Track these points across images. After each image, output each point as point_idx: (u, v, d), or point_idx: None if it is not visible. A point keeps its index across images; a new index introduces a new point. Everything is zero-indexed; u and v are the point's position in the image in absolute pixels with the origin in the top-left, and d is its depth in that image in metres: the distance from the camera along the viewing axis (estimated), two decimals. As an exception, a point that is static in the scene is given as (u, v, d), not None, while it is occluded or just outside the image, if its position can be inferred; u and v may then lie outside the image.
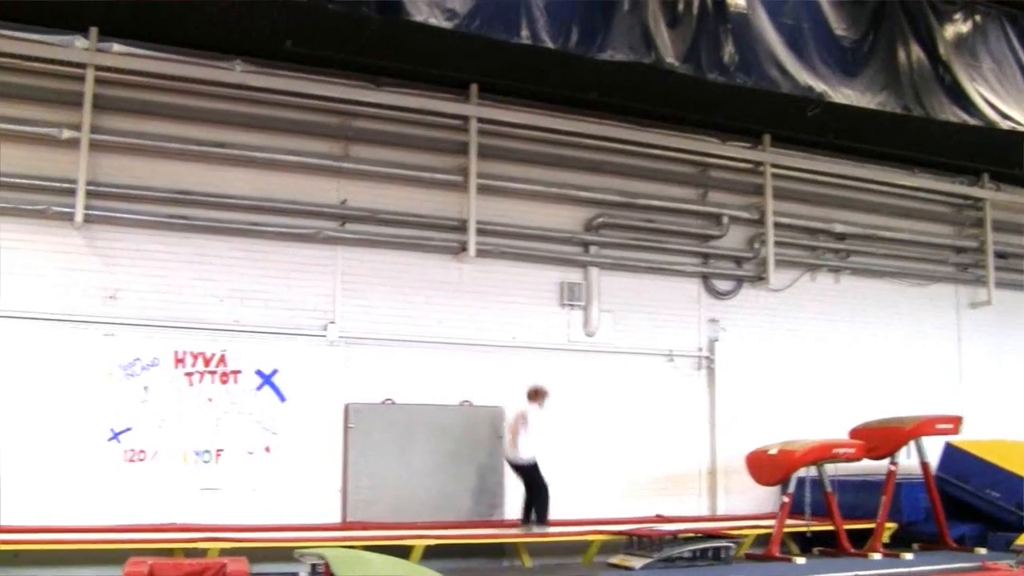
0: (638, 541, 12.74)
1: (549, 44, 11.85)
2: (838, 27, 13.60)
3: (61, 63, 12.35)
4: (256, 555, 10.16)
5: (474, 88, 14.17)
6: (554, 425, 13.82)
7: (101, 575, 11.02)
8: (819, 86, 13.29)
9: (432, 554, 11.93)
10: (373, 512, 13.06)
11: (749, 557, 13.43)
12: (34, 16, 12.09)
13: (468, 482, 13.74)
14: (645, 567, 12.04)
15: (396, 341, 13.69)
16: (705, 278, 16.01)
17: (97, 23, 12.33)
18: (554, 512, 13.28)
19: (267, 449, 12.94)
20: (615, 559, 12.52)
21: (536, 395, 13.19)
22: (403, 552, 11.38)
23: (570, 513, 13.90)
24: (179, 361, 12.70)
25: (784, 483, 13.52)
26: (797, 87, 13.17)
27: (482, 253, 14.06)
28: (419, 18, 11.20)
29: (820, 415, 15.34)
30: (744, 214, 16.14)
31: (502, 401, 14.01)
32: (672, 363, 15.54)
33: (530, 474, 13.03)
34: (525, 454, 12.97)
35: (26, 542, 10.95)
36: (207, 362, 12.78)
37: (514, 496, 13.74)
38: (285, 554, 10.40)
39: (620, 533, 13.07)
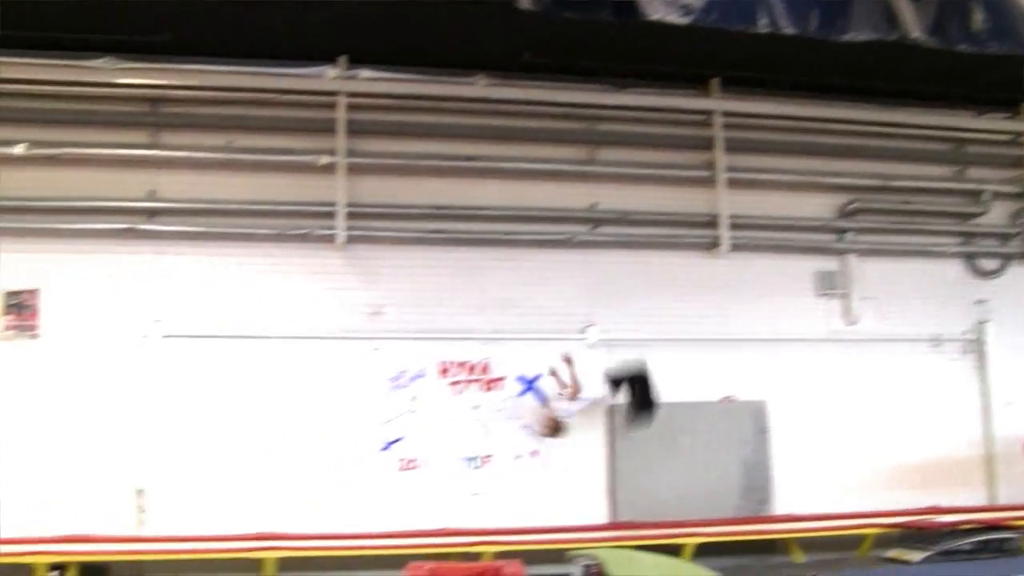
0: (915, 534, 12.40)
1: (789, 31, 11.61)
2: (1097, -18, 12.90)
3: (314, 93, 12.99)
4: (528, 557, 10.35)
5: (715, 82, 14.08)
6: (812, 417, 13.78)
7: (382, 579, 11.46)
8: (1080, 46, 12.62)
9: (702, 552, 11.93)
10: (640, 511, 13.10)
11: (1035, 548, 12.88)
12: (287, 51, 12.71)
13: (735, 478, 13.62)
14: (924, 560, 11.70)
15: (654, 340, 13.44)
16: (968, 258, 15.33)
17: (345, 51, 12.86)
18: (825, 506, 13.14)
19: (533, 453, 13.15)
20: (891, 553, 12.22)
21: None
22: (673, 550, 11.43)
23: (842, 506, 13.62)
24: (444, 371, 13.06)
25: (1070, 469, 12.90)
26: (1056, 49, 12.54)
27: (735, 247, 13.93)
28: (655, 17, 11.08)
29: (1106, 394, 14.48)
30: (1006, 188, 15.39)
31: (765, 395, 13.90)
32: (938, 348, 14.99)
33: None
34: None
35: (313, 549, 11.54)
36: (471, 370, 13.10)
37: (784, 490, 13.63)
38: (556, 556, 10.62)
39: (896, 526, 12.77)
